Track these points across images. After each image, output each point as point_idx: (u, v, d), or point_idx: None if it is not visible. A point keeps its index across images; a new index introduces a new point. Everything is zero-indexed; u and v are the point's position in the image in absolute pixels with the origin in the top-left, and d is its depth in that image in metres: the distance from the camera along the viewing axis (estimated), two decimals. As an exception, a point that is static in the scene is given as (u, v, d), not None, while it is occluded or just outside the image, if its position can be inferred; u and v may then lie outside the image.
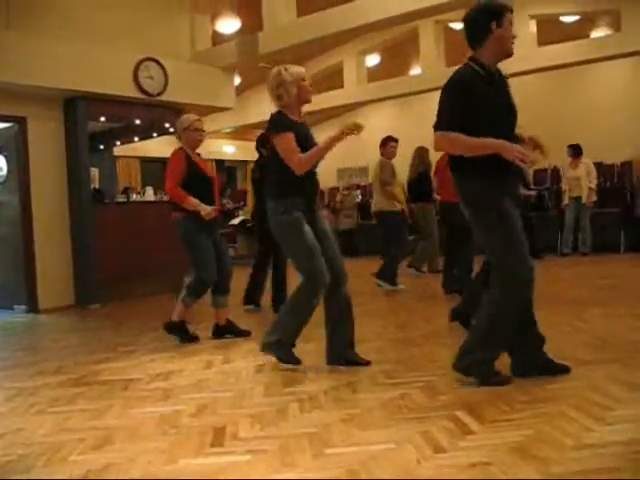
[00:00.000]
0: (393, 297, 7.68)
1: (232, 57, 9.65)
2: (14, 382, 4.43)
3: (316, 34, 8.58)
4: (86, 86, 8.20)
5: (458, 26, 12.63)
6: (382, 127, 16.01)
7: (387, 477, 2.45)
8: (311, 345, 4.99)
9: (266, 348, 4.34)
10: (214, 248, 5.44)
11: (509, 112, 3.73)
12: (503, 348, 3.73)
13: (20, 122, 8.23)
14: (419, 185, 8.96)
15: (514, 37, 3.66)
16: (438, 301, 7.12)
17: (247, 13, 10.14)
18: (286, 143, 4.18)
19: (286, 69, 4.29)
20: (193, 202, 5.28)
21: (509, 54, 3.69)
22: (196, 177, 5.43)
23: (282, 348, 4.31)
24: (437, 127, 3.68)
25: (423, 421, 3.04)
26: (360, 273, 8.78)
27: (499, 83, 3.74)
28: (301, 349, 4.72)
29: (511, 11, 3.61)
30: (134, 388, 4.08)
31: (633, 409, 3.05)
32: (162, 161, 8.84)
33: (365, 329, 5.66)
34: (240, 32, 9.95)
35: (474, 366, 3.65)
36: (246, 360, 4.65)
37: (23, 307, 8.36)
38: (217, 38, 10.28)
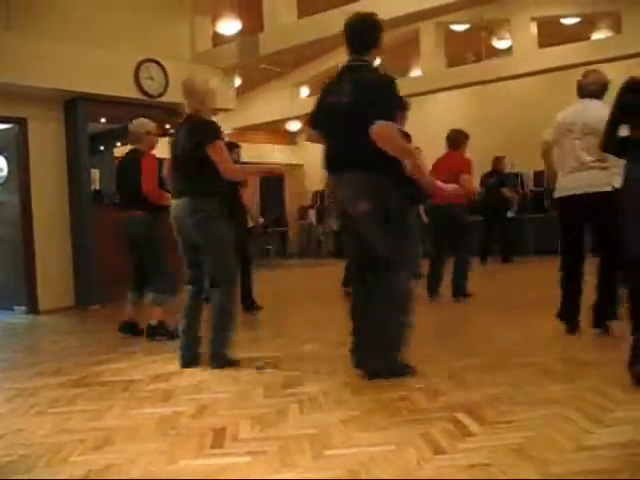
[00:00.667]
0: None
1: (233, 58, 9.65)
2: (14, 383, 4.43)
3: (317, 35, 8.59)
4: (87, 87, 8.21)
5: (459, 28, 12.68)
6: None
7: (387, 478, 2.45)
8: (304, 346, 5.01)
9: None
10: None
11: None
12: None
13: (20, 123, 8.24)
14: None
15: None
16: (439, 303, 7.12)
17: (248, 14, 10.14)
18: (225, 150, 4.42)
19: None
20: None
21: None
22: (160, 178, 5.62)
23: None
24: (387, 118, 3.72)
25: (423, 423, 3.04)
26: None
27: None
28: (299, 351, 4.75)
29: None
30: (134, 389, 4.07)
31: (632, 411, 3.05)
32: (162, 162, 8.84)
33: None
34: (241, 33, 9.95)
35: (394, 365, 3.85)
36: (246, 362, 4.65)
37: (23, 308, 8.36)
38: (218, 39, 10.28)
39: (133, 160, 5.74)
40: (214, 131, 4.41)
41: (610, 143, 3.88)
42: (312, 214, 17.35)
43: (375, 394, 3.60)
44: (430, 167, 7.49)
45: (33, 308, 8.28)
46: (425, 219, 8.33)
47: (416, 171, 3.91)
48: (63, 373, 4.64)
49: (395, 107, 3.90)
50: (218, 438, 3.01)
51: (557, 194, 4.93)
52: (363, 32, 3.96)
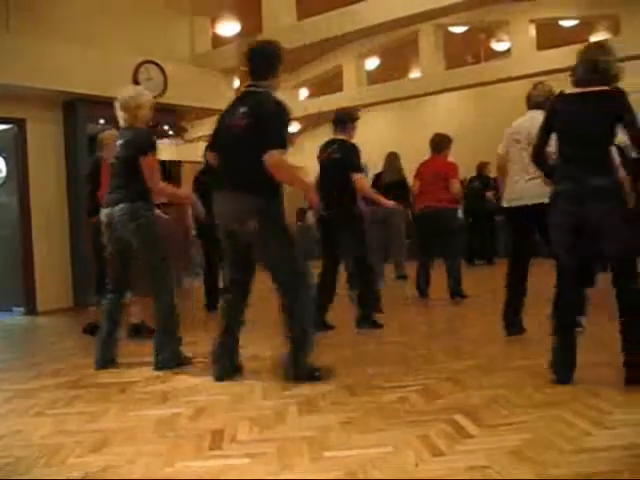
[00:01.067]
0: (389, 302, 7.68)
1: (232, 60, 9.64)
2: (12, 384, 4.42)
3: (316, 37, 8.59)
4: (85, 88, 8.20)
5: (458, 30, 12.70)
6: (381, 130, 16.10)
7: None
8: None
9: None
10: None
11: None
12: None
13: (19, 124, 8.24)
14: (393, 190, 9.09)
15: None
16: (435, 305, 7.12)
17: (247, 16, 10.14)
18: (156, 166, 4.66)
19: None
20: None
21: None
22: None
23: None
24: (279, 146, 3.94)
25: (421, 425, 3.04)
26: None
27: None
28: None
29: None
30: (132, 391, 4.07)
31: (631, 413, 3.05)
32: (162, 164, 8.84)
33: (363, 332, 5.67)
34: (240, 35, 9.96)
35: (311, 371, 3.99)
36: (244, 363, 4.64)
37: (21, 309, 8.35)
38: (217, 41, 10.29)
39: (95, 167, 6.10)
40: (149, 144, 4.65)
41: (538, 155, 3.94)
42: (310, 216, 17.32)
43: (373, 396, 3.61)
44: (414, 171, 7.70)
45: (31, 309, 8.27)
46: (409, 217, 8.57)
47: (306, 193, 4.37)
48: (61, 374, 4.64)
49: (284, 137, 4.04)
50: (216, 440, 3.01)
51: (506, 204, 5.06)
52: (262, 61, 4.15)
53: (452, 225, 7.43)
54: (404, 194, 8.70)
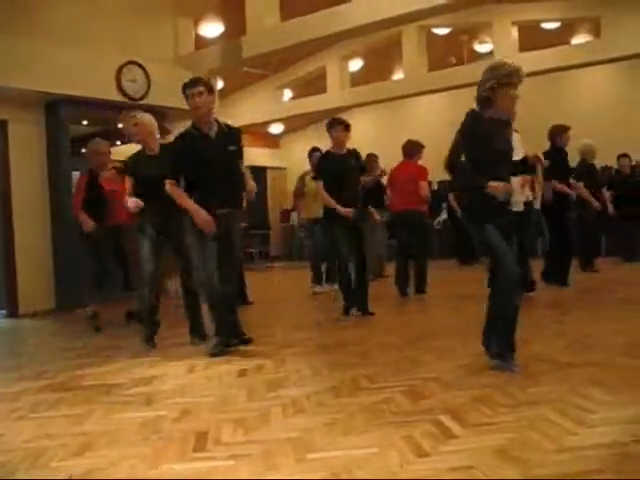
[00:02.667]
0: (376, 302, 7.70)
1: (215, 61, 9.63)
2: (-6, 387, 4.39)
3: (299, 38, 8.60)
4: (68, 89, 8.15)
5: (441, 31, 12.74)
6: (365, 131, 16.13)
7: (370, 481, 2.46)
8: (288, 350, 5.00)
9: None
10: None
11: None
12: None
13: (1, 125, 8.17)
14: (373, 193, 9.26)
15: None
16: (421, 306, 7.15)
17: (230, 17, 10.13)
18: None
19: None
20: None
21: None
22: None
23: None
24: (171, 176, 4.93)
25: (406, 425, 3.05)
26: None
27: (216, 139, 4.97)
28: (282, 354, 4.73)
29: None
30: (116, 393, 4.05)
31: (614, 412, 3.07)
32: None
33: (349, 333, 5.68)
34: (223, 36, 9.94)
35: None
36: (229, 364, 4.63)
37: (3, 311, 8.28)
38: (200, 42, 10.26)
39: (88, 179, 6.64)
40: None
41: (451, 164, 4.08)
42: (294, 216, 17.33)
43: (358, 397, 3.61)
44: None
45: (14, 311, 8.21)
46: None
47: (188, 208, 4.87)
48: (44, 377, 4.60)
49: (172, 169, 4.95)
50: (201, 442, 2.99)
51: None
52: None
53: (422, 227, 7.84)
54: (382, 197, 8.92)
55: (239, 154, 5.04)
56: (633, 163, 10.88)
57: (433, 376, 3.93)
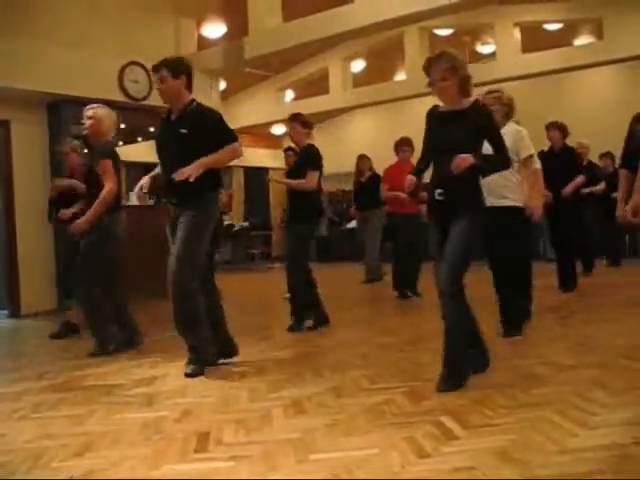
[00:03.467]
0: (378, 303, 7.72)
1: (217, 62, 9.64)
2: (-4, 388, 4.39)
3: (301, 39, 8.60)
4: (70, 90, 8.15)
5: (443, 33, 12.74)
6: (367, 132, 16.13)
7: (371, 482, 2.46)
8: (289, 350, 5.00)
9: None
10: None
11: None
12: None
13: (3, 125, 8.18)
14: (362, 192, 9.30)
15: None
16: (422, 307, 7.14)
17: (232, 18, 10.13)
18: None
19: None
20: None
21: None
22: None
23: None
24: None
25: (407, 426, 3.04)
26: (344, 279, 8.78)
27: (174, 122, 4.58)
28: (283, 355, 4.73)
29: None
30: (117, 394, 4.05)
31: (616, 413, 3.07)
32: (147, 166, 8.81)
33: (350, 334, 5.68)
34: (225, 37, 9.94)
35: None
36: (230, 365, 4.63)
37: (5, 312, 8.29)
38: (202, 43, 10.27)
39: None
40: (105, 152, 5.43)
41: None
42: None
43: (359, 398, 3.61)
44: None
45: (15, 312, 8.21)
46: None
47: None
48: (46, 378, 4.60)
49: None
50: (202, 442, 3.00)
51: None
52: None
53: (412, 227, 7.76)
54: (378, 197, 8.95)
55: (196, 138, 4.41)
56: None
57: (433, 377, 3.92)
